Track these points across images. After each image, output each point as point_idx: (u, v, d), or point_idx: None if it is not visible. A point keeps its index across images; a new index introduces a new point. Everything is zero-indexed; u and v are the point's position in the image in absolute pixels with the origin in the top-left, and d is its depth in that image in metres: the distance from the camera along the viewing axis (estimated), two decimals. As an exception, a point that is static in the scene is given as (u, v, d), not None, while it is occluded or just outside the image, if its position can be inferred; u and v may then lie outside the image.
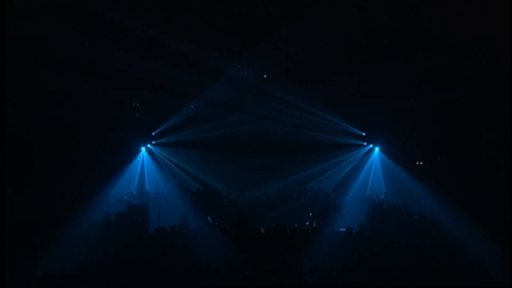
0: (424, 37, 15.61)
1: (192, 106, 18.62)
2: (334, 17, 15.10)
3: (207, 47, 16.15)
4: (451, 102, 16.46)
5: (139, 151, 19.20)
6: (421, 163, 19.02)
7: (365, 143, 19.61)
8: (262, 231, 12.22)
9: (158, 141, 19.46)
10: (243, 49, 17.12)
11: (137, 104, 19.38)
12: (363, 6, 15.13)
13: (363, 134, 19.40)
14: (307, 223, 14.81)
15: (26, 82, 14.34)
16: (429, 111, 16.97)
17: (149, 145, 19.51)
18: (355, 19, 15.21)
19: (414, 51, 15.89)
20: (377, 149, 19.31)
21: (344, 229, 12.32)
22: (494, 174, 14.23)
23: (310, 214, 14.75)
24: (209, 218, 14.67)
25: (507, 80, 13.68)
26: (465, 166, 16.39)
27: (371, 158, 19.34)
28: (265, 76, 18.59)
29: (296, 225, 14.36)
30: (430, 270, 8.31)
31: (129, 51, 15.77)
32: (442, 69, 16.01)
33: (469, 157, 16.43)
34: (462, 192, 14.49)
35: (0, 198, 8.63)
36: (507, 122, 14.06)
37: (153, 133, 19.28)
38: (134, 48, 15.85)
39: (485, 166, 15.21)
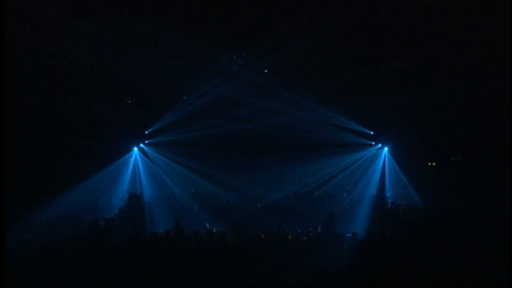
0: (437, 33, 15.64)
1: (188, 103, 18.68)
2: (342, 9, 15.15)
3: (206, 42, 16.23)
4: (466, 99, 16.48)
5: (130, 150, 19.29)
6: (434, 164, 19.04)
7: (373, 143, 19.66)
8: (263, 237, 12.31)
9: (151, 141, 19.53)
10: (244, 44, 17.16)
11: (129, 101, 19.42)
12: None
13: (371, 133, 19.44)
14: (311, 228, 14.91)
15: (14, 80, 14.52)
16: (443, 108, 16.96)
17: (142, 145, 19.58)
18: (364, 11, 15.26)
19: (425, 47, 15.93)
20: (386, 149, 19.36)
21: (350, 235, 12.42)
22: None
23: (314, 218, 14.83)
24: (206, 224, 14.80)
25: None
26: (481, 167, 16.40)
27: (380, 159, 19.36)
28: (266, 71, 18.59)
29: (299, 230, 14.46)
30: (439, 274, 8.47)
31: (124, 46, 15.90)
32: (454, 65, 16.05)
33: (486, 157, 16.42)
34: (478, 195, 14.53)
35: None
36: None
37: (146, 132, 19.36)
38: (129, 43, 15.96)
39: (501, 167, 15.20)
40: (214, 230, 14.16)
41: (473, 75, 15.55)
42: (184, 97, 18.69)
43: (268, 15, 15.55)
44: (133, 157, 19.31)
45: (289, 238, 12.28)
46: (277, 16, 15.50)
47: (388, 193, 18.00)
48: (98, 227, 12.58)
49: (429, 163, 19.02)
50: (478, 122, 16.49)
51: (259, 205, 16.45)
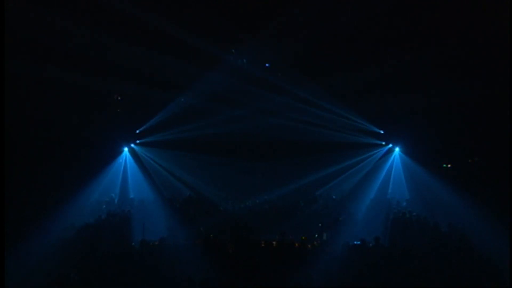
0: (450, 28, 15.57)
1: (182, 100, 18.56)
2: (352, 4, 15.10)
3: (201, 32, 16.08)
4: (483, 95, 16.33)
5: (121, 151, 19.16)
6: (449, 165, 18.95)
7: (383, 143, 19.60)
8: (263, 244, 12.16)
9: (143, 140, 19.40)
10: (243, 35, 17.01)
11: (119, 98, 19.27)
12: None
13: (381, 132, 19.37)
14: (317, 235, 14.81)
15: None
16: (458, 104, 16.84)
17: (132, 145, 19.45)
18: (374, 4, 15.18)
19: (439, 41, 15.83)
20: (397, 149, 19.30)
21: (358, 242, 12.28)
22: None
23: (320, 224, 14.71)
24: (201, 228, 14.64)
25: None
26: (501, 170, 16.22)
27: (391, 160, 19.33)
28: (267, 65, 18.50)
29: (303, 237, 14.30)
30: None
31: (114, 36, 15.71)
32: (471, 60, 15.94)
33: (505, 159, 16.26)
34: (498, 199, 14.38)
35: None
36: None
37: (137, 131, 19.22)
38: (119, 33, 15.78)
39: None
40: (211, 236, 13.99)
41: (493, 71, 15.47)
42: (182, 100, 18.59)
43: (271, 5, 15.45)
44: (123, 158, 19.22)
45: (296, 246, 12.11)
46: (281, 6, 15.39)
47: (399, 197, 17.95)
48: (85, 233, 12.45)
49: (444, 165, 18.95)
50: (497, 121, 16.35)
51: (260, 211, 16.34)
